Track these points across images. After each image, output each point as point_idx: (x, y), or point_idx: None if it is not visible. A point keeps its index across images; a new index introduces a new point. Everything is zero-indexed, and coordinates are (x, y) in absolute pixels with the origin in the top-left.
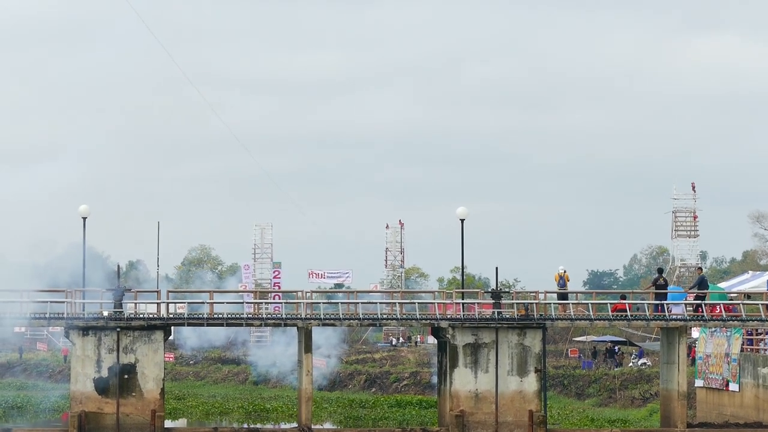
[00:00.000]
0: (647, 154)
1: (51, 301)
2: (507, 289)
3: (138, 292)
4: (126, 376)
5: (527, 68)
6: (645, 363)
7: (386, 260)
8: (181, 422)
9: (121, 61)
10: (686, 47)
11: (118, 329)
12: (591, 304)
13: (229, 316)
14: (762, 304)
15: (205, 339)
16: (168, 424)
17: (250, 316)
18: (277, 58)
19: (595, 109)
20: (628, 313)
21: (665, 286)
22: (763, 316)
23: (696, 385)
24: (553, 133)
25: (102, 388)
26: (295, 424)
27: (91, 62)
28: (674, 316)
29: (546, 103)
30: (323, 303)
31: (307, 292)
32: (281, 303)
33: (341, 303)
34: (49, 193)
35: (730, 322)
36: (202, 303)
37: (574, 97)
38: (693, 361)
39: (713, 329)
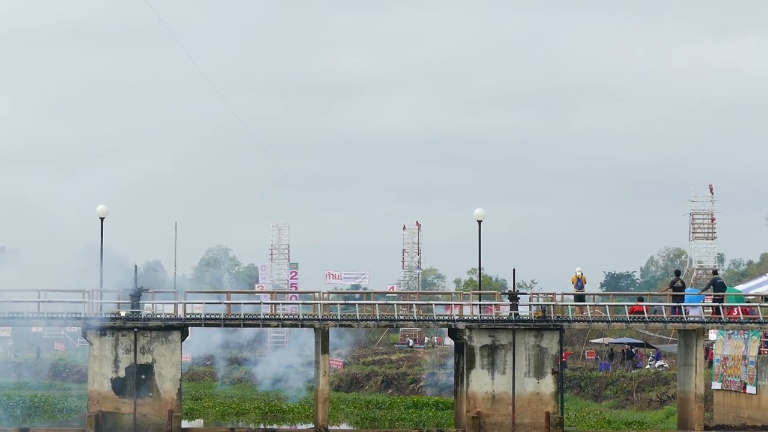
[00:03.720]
0: (665, 157)
1: (69, 301)
2: (524, 291)
3: (155, 292)
4: (143, 377)
5: (545, 71)
6: (662, 365)
7: (403, 261)
8: (198, 423)
9: (134, 59)
10: (704, 51)
11: (136, 329)
12: (608, 306)
13: (246, 316)
14: None
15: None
16: (185, 424)
17: (267, 316)
18: (296, 60)
19: (614, 112)
20: (646, 315)
21: (683, 288)
22: None
23: (713, 388)
24: (571, 135)
25: (119, 388)
26: (311, 425)
27: (115, 65)
28: (692, 319)
29: (564, 106)
30: (340, 304)
31: (324, 293)
32: (298, 303)
33: (358, 304)
34: (73, 194)
35: (748, 324)
36: (220, 303)
37: (592, 99)
38: (710, 364)
39: (731, 332)
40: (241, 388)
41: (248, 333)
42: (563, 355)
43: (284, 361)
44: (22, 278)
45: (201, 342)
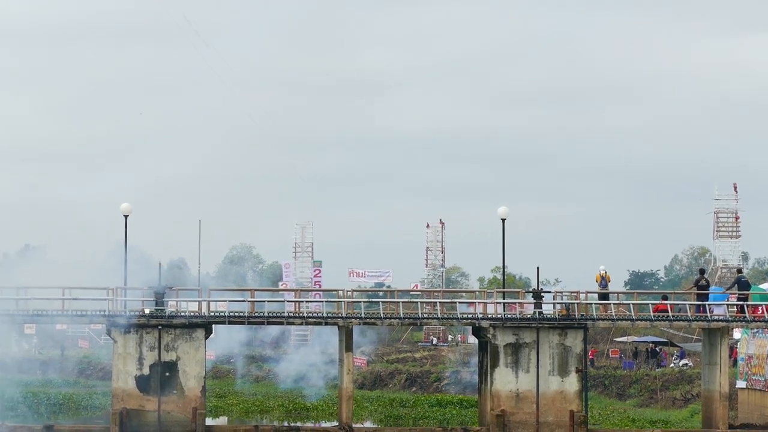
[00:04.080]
0: (690, 155)
1: (93, 299)
2: (548, 289)
3: (179, 290)
4: (167, 374)
5: (569, 68)
6: (686, 364)
7: (427, 260)
8: (222, 420)
9: (159, 57)
10: (728, 48)
11: (160, 327)
12: (632, 304)
13: (270, 314)
14: None
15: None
16: (209, 421)
17: (291, 314)
18: (321, 57)
19: (638, 110)
20: (670, 314)
21: (707, 286)
22: None
23: (738, 386)
24: (596, 133)
25: (143, 385)
26: (335, 423)
27: (140, 64)
28: (716, 317)
29: (588, 104)
30: (364, 302)
31: (347, 291)
32: (322, 302)
33: (382, 302)
34: (99, 192)
35: None
36: (243, 301)
37: (616, 97)
38: (735, 362)
39: (755, 330)
40: (263, 385)
41: (272, 331)
42: (590, 353)
43: (306, 360)
44: (47, 275)
45: (225, 340)
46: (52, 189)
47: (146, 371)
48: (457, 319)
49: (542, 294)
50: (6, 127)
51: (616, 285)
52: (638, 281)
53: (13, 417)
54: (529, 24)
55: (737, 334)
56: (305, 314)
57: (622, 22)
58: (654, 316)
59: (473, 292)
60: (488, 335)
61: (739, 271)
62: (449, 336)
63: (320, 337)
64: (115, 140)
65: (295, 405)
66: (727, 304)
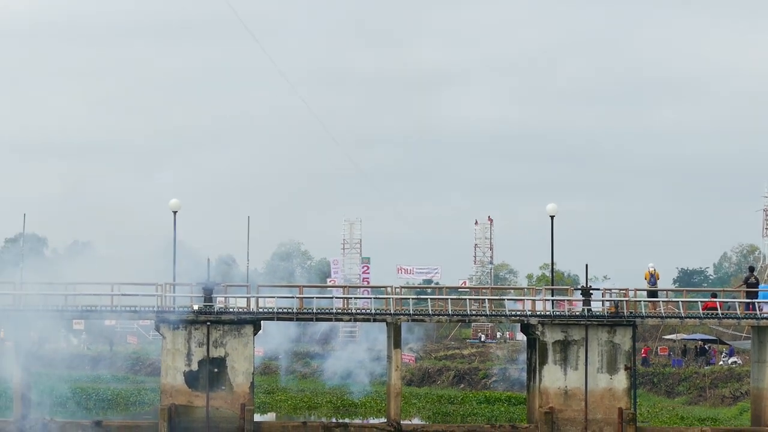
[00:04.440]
0: (739, 152)
1: (142, 295)
2: (597, 287)
3: (228, 286)
4: (216, 370)
5: (620, 65)
6: (735, 361)
7: (475, 256)
8: (270, 416)
9: (211, 53)
10: None
11: (208, 323)
12: (681, 302)
13: (319, 310)
14: None
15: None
16: (257, 418)
17: (339, 310)
18: (372, 54)
19: (689, 107)
20: (719, 312)
21: (756, 284)
22: None
23: None
24: (646, 130)
25: (192, 381)
26: (383, 420)
27: (191, 59)
28: (765, 315)
29: (639, 100)
30: (412, 298)
31: (396, 288)
32: (370, 298)
33: (430, 299)
34: (149, 188)
35: None
36: (292, 297)
37: (667, 94)
38: None
39: None
40: (309, 382)
41: (321, 328)
42: (643, 351)
43: (353, 357)
44: (96, 271)
45: (273, 336)
46: (102, 185)
47: (195, 367)
48: (506, 316)
49: (591, 291)
50: (57, 123)
51: (665, 282)
52: (687, 279)
53: (62, 413)
54: (578, 21)
55: None
56: (353, 311)
57: (672, 19)
58: (703, 314)
59: (522, 289)
60: (537, 332)
61: None
62: (497, 333)
63: (368, 334)
64: (165, 136)
65: (343, 402)
66: None
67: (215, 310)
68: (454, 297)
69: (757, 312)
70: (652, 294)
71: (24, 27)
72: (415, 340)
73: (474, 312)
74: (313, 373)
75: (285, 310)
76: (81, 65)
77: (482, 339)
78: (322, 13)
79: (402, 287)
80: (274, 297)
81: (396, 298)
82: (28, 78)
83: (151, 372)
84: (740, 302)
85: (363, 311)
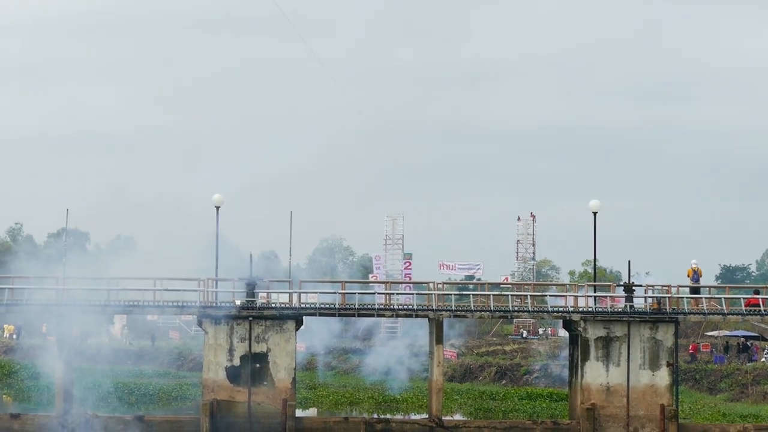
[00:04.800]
0: None
1: (185, 290)
2: (639, 283)
3: (270, 281)
4: (258, 365)
5: (665, 60)
6: None
7: (517, 252)
8: (312, 412)
9: (254, 49)
10: None
11: (250, 318)
12: (724, 298)
13: (361, 306)
14: None
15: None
16: (299, 413)
17: (381, 306)
18: (413, 50)
19: (731, 104)
20: (762, 308)
21: None
22: None
23: None
24: (687, 126)
25: (234, 376)
26: (425, 415)
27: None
28: None
29: (681, 97)
30: (454, 294)
31: (438, 284)
32: (412, 294)
33: (472, 295)
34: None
35: None
36: (334, 293)
37: (709, 91)
38: None
39: None
40: (350, 378)
41: (363, 324)
42: (691, 346)
43: (392, 353)
44: (139, 266)
45: (315, 332)
46: (145, 180)
47: (237, 362)
48: (548, 312)
49: (633, 288)
50: (100, 119)
51: (708, 279)
52: (729, 275)
53: (104, 408)
54: (623, 16)
55: None
56: (395, 306)
57: (720, 13)
58: (745, 311)
59: (564, 285)
60: (579, 328)
61: None
62: (539, 329)
63: (409, 330)
64: (208, 131)
65: (385, 398)
66: None
67: (257, 305)
68: (496, 293)
69: None
70: (695, 290)
71: (68, 22)
72: (456, 336)
73: (516, 308)
74: (354, 369)
75: (327, 306)
76: (126, 61)
77: (524, 335)
78: (363, 8)
79: (444, 283)
80: (316, 292)
81: (438, 294)
82: (73, 74)
83: (193, 367)
84: None
85: (405, 307)
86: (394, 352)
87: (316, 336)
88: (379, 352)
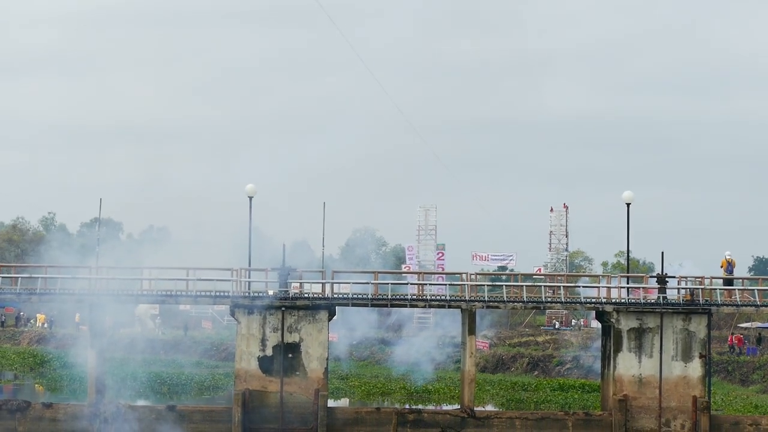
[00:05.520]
0: None
1: (218, 280)
2: (672, 275)
3: (303, 272)
4: (290, 355)
5: (699, 53)
6: None
7: (550, 244)
8: (344, 402)
9: (291, 40)
10: None
11: (283, 308)
12: (757, 290)
13: (394, 296)
14: None
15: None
16: (331, 403)
17: (414, 297)
18: (449, 42)
19: (766, 95)
20: None
21: None
22: None
23: None
24: (722, 119)
25: (266, 366)
26: (457, 406)
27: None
28: None
29: (718, 90)
30: (487, 285)
31: (471, 274)
32: (445, 285)
33: (505, 285)
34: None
35: None
36: (367, 283)
37: (747, 83)
38: None
39: None
40: (381, 368)
41: (396, 314)
42: (730, 338)
43: (419, 345)
44: (171, 256)
45: (347, 322)
46: (179, 171)
47: (269, 352)
48: (581, 303)
49: (666, 279)
50: (136, 108)
51: (741, 271)
52: (763, 267)
53: (136, 397)
54: (658, 10)
55: None
56: (428, 297)
57: (755, 3)
58: None
59: (597, 276)
60: (611, 320)
61: None
62: (572, 320)
63: (440, 321)
64: (242, 123)
65: (417, 387)
66: None
67: (290, 295)
68: (529, 284)
69: None
70: (728, 282)
71: (105, 12)
72: (487, 326)
73: (549, 299)
74: (386, 360)
75: (360, 296)
76: (163, 52)
77: (557, 326)
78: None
79: (477, 274)
80: (349, 283)
81: (471, 285)
82: (109, 64)
83: (225, 357)
84: None
85: (438, 297)
86: (427, 343)
87: (349, 326)
88: (411, 343)
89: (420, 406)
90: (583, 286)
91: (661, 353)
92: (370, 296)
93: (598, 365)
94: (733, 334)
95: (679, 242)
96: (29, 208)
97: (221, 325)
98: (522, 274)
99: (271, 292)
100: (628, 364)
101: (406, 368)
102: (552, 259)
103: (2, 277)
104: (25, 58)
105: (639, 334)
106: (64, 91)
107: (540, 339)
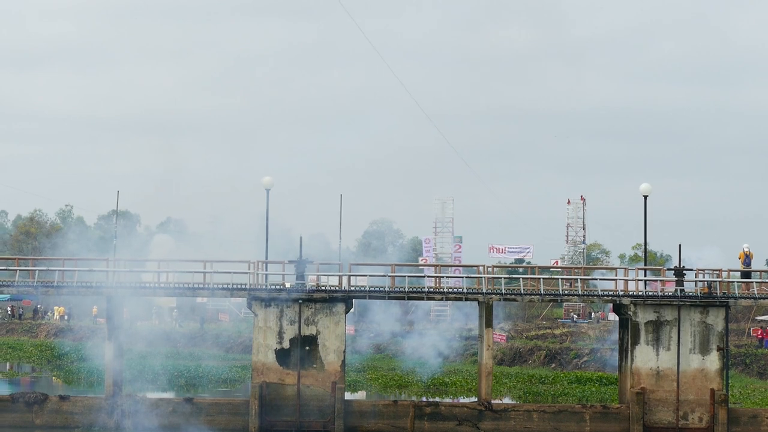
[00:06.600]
0: None
1: (234, 272)
2: (690, 267)
3: (320, 264)
4: (307, 348)
5: (716, 43)
6: None
7: (567, 236)
8: (361, 395)
9: (305, 31)
10: None
11: (300, 301)
12: None
13: (410, 289)
14: None
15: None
16: (348, 396)
17: (431, 289)
18: (466, 33)
19: None
20: None
21: None
22: None
23: None
24: (739, 109)
25: (283, 359)
26: (474, 399)
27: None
28: None
29: (734, 79)
30: (504, 278)
31: (488, 267)
32: (462, 277)
33: (522, 278)
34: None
35: None
36: (384, 276)
37: (763, 73)
38: None
39: None
40: (396, 361)
41: (414, 306)
42: (760, 332)
43: (431, 337)
44: (188, 248)
45: (363, 314)
46: (196, 163)
47: (286, 345)
48: (598, 295)
49: (684, 271)
50: (153, 100)
51: (759, 263)
52: None
53: (153, 390)
54: (670, 0)
55: None
56: (445, 289)
57: None
58: None
59: (614, 269)
60: (629, 312)
61: None
62: (592, 312)
63: (455, 313)
64: (259, 115)
65: (434, 380)
66: None
67: (307, 288)
68: (546, 276)
69: None
70: (746, 275)
71: (122, 5)
72: (503, 319)
73: (566, 292)
74: (403, 352)
75: (377, 289)
76: (179, 43)
77: (574, 318)
78: None
79: (494, 266)
80: (366, 275)
81: (488, 278)
82: (126, 56)
83: (242, 350)
84: None
85: (455, 290)
86: (444, 335)
87: (376, 320)
88: (428, 335)
89: (437, 399)
90: (601, 279)
91: (678, 346)
92: (387, 289)
93: (615, 358)
94: (763, 328)
95: (696, 233)
96: (47, 200)
97: (238, 318)
98: (539, 267)
99: (288, 285)
100: (645, 357)
101: (416, 361)
102: (569, 251)
103: (20, 270)
104: (42, 50)
105: (656, 326)
106: (80, 83)
107: (557, 331)
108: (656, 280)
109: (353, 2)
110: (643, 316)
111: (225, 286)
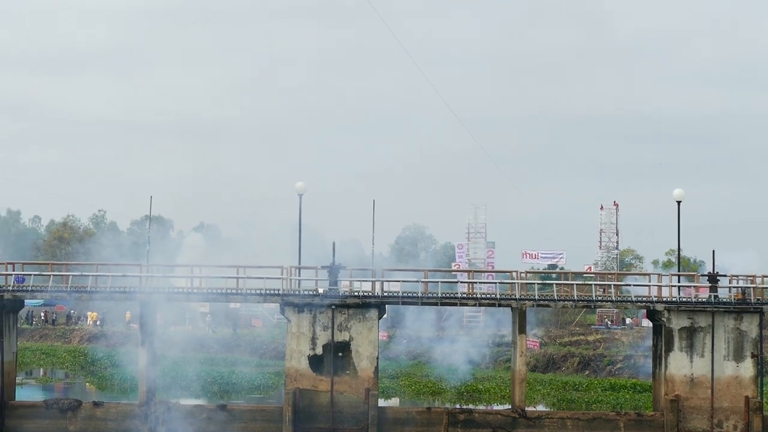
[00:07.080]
0: None
1: (267, 278)
2: (724, 273)
3: (353, 270)
4: (340, 354)
5: (751, 47)
6: None
7: (600, 241)
8: (394, 401)
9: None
10: None
11: (333, 307)
12: None
13: (444, 295)
14: None
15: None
16: (381, 403)
17: (464, 295)
18: (499, 37)
19: None
20: None
21: None
22: None
23: None
24: None
25: (316, 365)
26: (508, 406)
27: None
28: None
29: (764, 83)
30: (537, 283)
31: (521, 273)
32: (495, 283)
33: (556, 284)
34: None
35: None
36: (417, 282)
37: None
38: None
39: None
40: (429, 367)
41: (447, 312)
42: None
43: (476, 342)
44: (222, 253)
45: (395, 320)
46: (229, 168)
47: (319, 351)
48: (631, 301)
49: (718, 277)
50: (186, 105)
51: None
52: None
53: (187, 396)
54: (704, 4)
55: None
56: (478, 295)
57: None
58: None
59: (647, 274)
60: (663, 319)
61: None
62: (626, 319)
63: (488, 320)
64: (294, 120)
65: (468, 387)
66: None
67: (340, 293)
68: (580, 282)
69: None
70: None
71: (155, 8)
72: (535, 325)
73: (599, 298)
74: (436, 359)
75: (410, 295)
76: (213, 48)
77: (608, 325)
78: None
79: (527, 272)
80: (399, 281)
81: (521, 283)
82: (159, 61)
83: (275, 356)
84: None
85: (488, 296)
86: (477, 341)
87: (412, 326)
88: (461, 341)
89: (471, 406)
90: (634, 285)
91: (712, 353)
92: (420, 295)
93: (649, 365)
94: None
95: (731, 237)
96: (80, 205)
97: (271, 323)
98: (572, 273)
99: (321, 290)
100: (679, 364)
101: (446, 368)
102: (602, 257)
103: (53, 275)
104: (75, 55)
105: (690, 333)
106: (113, 87)
107: (591, 338)
108: (690, 286)
109: (394, 6)
110: (677, 323)
111: (258, 291)
